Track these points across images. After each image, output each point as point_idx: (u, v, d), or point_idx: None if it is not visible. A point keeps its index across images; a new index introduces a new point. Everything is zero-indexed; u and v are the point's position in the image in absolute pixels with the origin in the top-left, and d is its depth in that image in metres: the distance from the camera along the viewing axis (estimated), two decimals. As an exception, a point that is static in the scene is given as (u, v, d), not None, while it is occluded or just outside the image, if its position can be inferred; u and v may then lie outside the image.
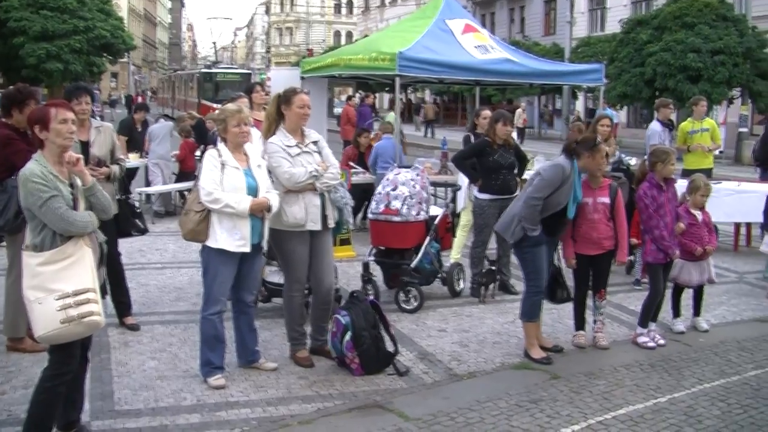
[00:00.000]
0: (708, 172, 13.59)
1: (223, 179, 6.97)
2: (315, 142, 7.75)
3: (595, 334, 8.71)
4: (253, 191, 7.05)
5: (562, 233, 8.43)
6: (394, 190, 9.91)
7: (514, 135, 10.66)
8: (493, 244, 10.67)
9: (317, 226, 7.62)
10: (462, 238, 11.70)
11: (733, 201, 13.61)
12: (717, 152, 15.62)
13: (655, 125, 14.21)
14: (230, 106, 7.37)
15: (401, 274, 9.88)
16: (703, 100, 15.34)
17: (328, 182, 7.58)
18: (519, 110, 45.80)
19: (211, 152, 7.12)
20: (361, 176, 14.78)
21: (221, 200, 6.88)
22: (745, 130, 34.84)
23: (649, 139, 13.95)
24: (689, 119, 14.85)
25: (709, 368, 8.11)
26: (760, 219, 11.91)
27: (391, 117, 20.11)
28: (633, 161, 12.42)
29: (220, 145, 7.15)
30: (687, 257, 9.06)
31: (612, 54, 38.05)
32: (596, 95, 18.96)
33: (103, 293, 6.64)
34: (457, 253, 11.57)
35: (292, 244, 7.62)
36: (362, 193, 14.20)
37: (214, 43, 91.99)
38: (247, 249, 7.09)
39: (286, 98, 7.61)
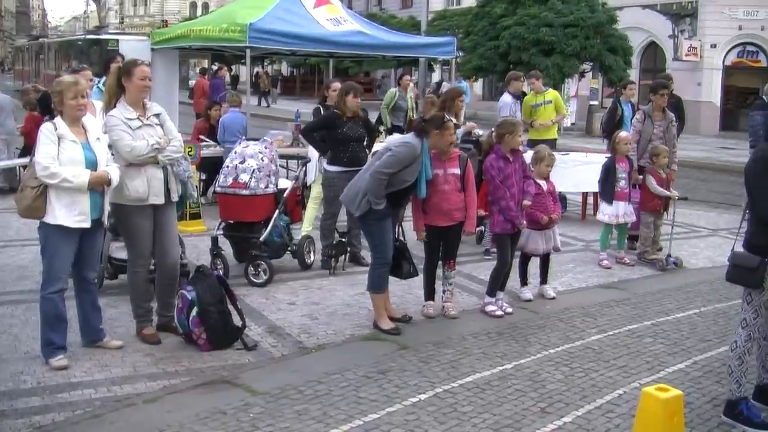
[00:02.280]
0: (552, 143, 13.85)
1: (59, 153, 6.76)
2: (157, 115, 7.60)
3: (444, 303, 8.81)
4: (92, 165, 6.88)
5: (405, 205, 8.49)
6: (242, 163, 9.82)
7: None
8: (343, 216, 10.68)
9: (160, 200, 7.50)
10: (313, 210, 11.64)
11: (580, 172, 13.90)
12: (568, 123, 15.92)
13: (506, 97, 14.41)
14: (67, 77, 7.17)
15: (250, 248, 9.81)
16: (535, 77, 15.42)
17: (170, 155, 7.46)
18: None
19: (46, 126, 6.89)
20: (211, 149, 14.59)
21: (58, 174, 6.68)
22: (595, 102, 35.86)
23: (500, 111, 14.13)
24: (531, 93, 15.11)
25: (555, 334, 8.32)
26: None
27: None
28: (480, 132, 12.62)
29: (57, 119, 6.92)
30: (533, 226, 9.23)
31: (468, 27, 38.51)
32: (451, 68, 19.28)
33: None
34: (308, 225, 11.51)
35: (135, 218, 7.48)
36: (213, 167, 14.04)
37: (96, 1, 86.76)
38: (87, 224, 6.92)
39: (126, 70, 7.44)
